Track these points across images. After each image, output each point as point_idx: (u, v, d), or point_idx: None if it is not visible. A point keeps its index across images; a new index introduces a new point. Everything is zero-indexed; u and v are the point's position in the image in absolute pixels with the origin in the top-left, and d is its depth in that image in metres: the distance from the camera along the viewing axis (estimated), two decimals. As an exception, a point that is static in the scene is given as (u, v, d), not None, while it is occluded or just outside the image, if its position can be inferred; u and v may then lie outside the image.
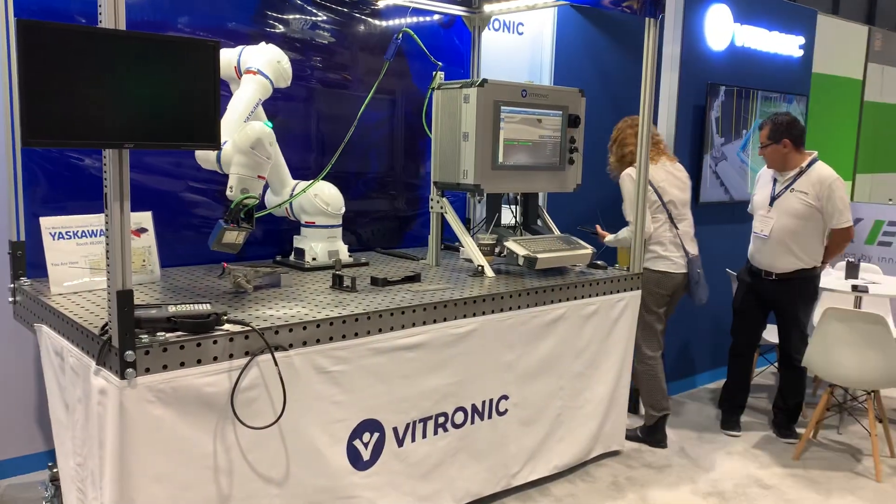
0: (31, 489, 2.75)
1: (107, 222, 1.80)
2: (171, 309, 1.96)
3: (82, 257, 2.41)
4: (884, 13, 12.84)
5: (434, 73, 3.10)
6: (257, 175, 2.33)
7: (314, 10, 3.27)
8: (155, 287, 2.52)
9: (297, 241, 3.05)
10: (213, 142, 1.84)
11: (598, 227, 3.51)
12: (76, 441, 2.09)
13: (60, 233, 2.36)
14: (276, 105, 3.16)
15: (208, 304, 2.03)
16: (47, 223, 2.35)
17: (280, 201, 2.96)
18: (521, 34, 4.26)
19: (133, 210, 2.56)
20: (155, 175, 2.85)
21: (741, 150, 4.36)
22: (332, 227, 3.01)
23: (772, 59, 4.50)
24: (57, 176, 2.63)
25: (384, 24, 3.49)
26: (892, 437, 3.53)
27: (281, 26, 3.19)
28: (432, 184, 3.10)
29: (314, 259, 2.96)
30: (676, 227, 3.37)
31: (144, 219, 2.59)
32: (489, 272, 2.90)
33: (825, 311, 3.23)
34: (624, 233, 3.26)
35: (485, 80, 2.88)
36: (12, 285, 2.50)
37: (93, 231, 2.44)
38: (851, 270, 3.87)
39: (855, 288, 3.65)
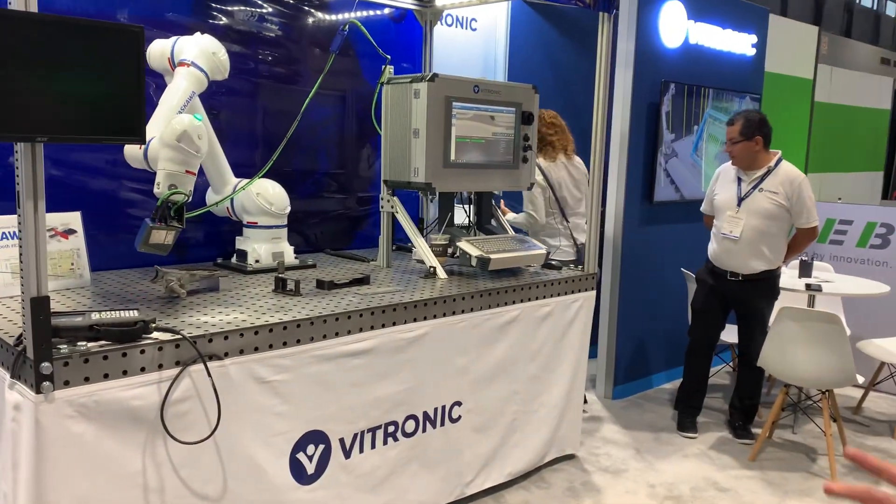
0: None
1: (20, 223, 1.64)
2: (95, 316, 1.81)
3: (3, 261, 2.24)
4: (830, 15, 13.14)
5: (383, 67, 2.99)
6: (185, 170, 2.19)
7: (259, 2, 3.13)
8: (84, 292, 2.36)
9: (240, 243, 2.91)
10: (138, 135, 1.70)
11: (503, 204, 3.51)
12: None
13: (-18, 234, 2.19)
14: (219, 100, 3.02)
15: (136, 311, 1.88)
16: (-36, 224, 2.18)
17: (218, 199, 2.82)
18: (474, 30, 4.17)
19: (61, 210, 2.44)
20: (85, 173, 2.68)
21: (693, 150, 4.35)
22: (277, 227, 2.87)
23: (725, 57, 4.49)
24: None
25: (333, 17, 3.36)
26: (846, 435, 3.53)
27: (223, 17, 3.04)
28: (382, 182, 2.99)
29: (257, 261, 2.82)
30: (567, 221, 3.61)
31: (73, 219, 2.42)
32: (441, 274, 2.80)
33: (780, 310, 3.21)
34: (520, 217, 3.53)
35: (435, 75, 2.78)
36: (-75, 292, 2.31)
37: (13, 233, 2.26)
38: (805, 269, 3.87)
39: (808, 287, 3.64)
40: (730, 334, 3.82)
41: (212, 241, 3.08)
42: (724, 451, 3.42)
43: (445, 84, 2.80)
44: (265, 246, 2.84)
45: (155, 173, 2.31)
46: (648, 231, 4.15)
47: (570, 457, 3.22)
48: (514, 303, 2.76)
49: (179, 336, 1.87)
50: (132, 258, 2.74)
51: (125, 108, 1.67)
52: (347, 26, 3.03)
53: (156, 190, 2.21)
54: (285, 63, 3.24)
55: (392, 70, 3.00)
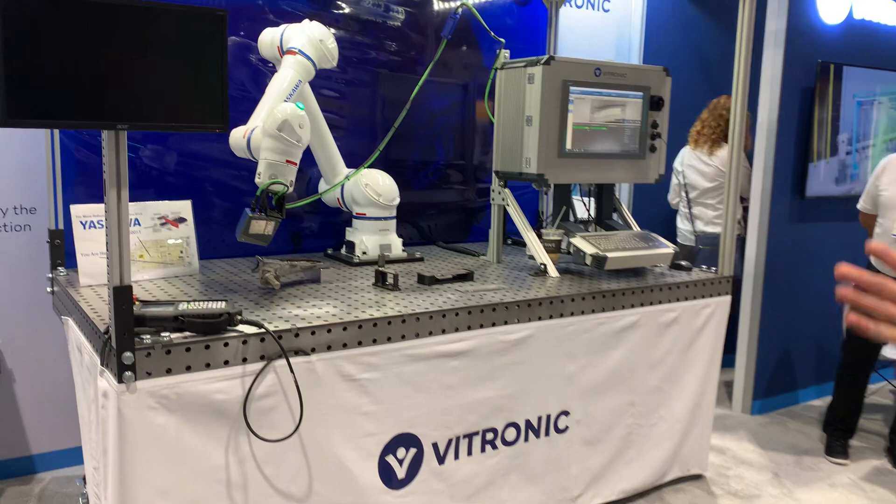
0: (72, 483, 2.69)
1: (106, 211, 1.64)
2: (182, 307, 1.79)
3: (114, 247, 2.29)
4: None
5: (498, 50, 2.83)
6: (286, 160, 2.14)
7: (374, -13, 3.06)
8: (190, 280, 2.38)
9: (349, 234, 2.85)
10: (221, 123, 1.64)
11: None
12: (92, 443, 1.98)
13: (91, 221, 2.26)
14: (333, 89, 2.99)
15: (223, 302, 1.85)
16: (78, 211, 2.25)
17: (327, 189, 2.78)
18: (606, 11, 3.91)
19: (173, 198, 2.48)
20: (198, 161, 2.72)
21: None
22: (385, 219, 2.79)
23: (898, 34, 3.94)
24: (96, 161, 2.54)
25: (453, 3, 3.24)
26: None
27: (339, 5, 3.00)
28: (493, 173, 2.83)
29: (364, 253, 2.75)
30: (690, 207, 3.85)
31: (183, 208, 2.46)
32: (552, 272, 2.61)
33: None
34: None
35: (551, 58, 2.58)
36: (50, 275, 2.42)
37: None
38: None
39: None
40: (893, 349, 3.33)
41: (325, 231, 3.06)
42: (881, 483, 2.98)
43: (562, 67, 2.60)
44: (373, 238, 2.77)
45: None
46: (799, 229, 3.71)
47: (697, 477, 2.93)
48: (633, 306, 2.52)
49: (263, 330, 1.81)
50: (242, 247, 2.76)
51: (208, 95, 1.63)
52: (460, 9, 2.88)
53: (257, 179, 2.18)
54: (401, 51, 3.16)
55: (508, 54, 2.83)
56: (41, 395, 2.71)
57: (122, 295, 1.63)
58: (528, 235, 2.71)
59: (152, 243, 2.37)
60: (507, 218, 2.90)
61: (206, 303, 1.84)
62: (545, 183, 2.65)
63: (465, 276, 2.49)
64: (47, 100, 1.46)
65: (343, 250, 2.86)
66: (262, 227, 2.17)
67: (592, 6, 3.86)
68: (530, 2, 3.55)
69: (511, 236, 3.25)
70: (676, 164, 3.93)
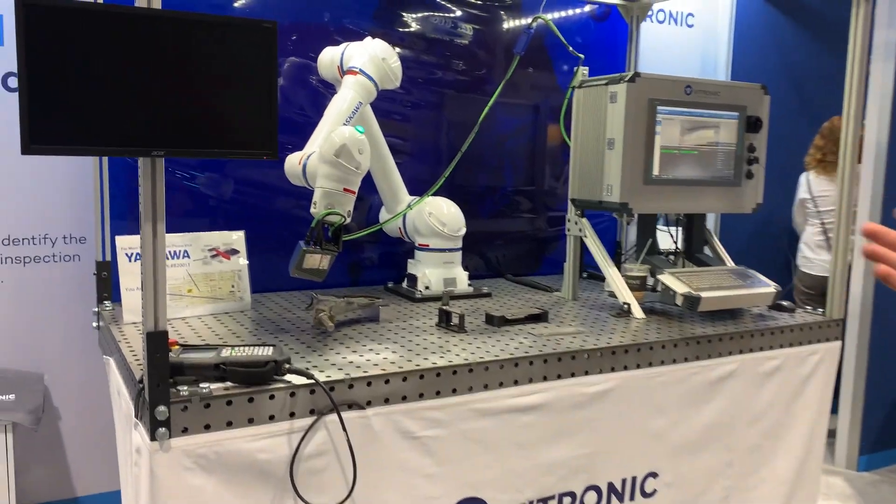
0: (117, 529, 2.54)
1: (141, 247, 1.46)
2: (225, 353, 1.61)
3: (161, 281, 2.14)
4: None
5: (576, 68, 2.59)
6: (343, 188, 1.94)
7: (443, 3, 2.88)
8: (240, 317, 2.21)
9: (411, 266, 2.64)
10: (269, 149, 1.45)
11: None
12: (128, 494, 1.80)
13: (138, 254, 2.11)
14: (397, 112, 2.81)
15: (270, 348, 1.65)
16: (123, 242, 2.11)
17: (388, 218, 2.58)
18: (690, 26, 3.64)
19: (228, 228, 2.32)
20: (251, 189, 2.57)
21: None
22: (450, 250, 2.57)
23: None
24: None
25: (526, 20, 3.02)
26: None
27: (405, 23, 2.83)
28: (569, 202, 2.58)
29: (427, 288, 2.53)
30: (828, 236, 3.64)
31: (236, 238, 2.30)
32: (637, 312, 2.33)
33: None
34: None
35: (637, 74, 2.33)
36: (96, 309, 2.29)
37: (174, 252, 2.17)
38: None
39: None
40: None
41: (386, 262, 2.86)
42: None
43: (649, 84, 2.34)
44: (436, 271, 2.55)
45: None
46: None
47: (800, 545, 2.58)
48: (730, 353, 2.22)
49: (313, 381, 1.61)
50: (298, 280, 2.59)
51: (255, 118, 1.44)
52: (534, 23, 2.66)
53: (312, 209, 1.99)
54: (469, 70, 2.96)
55: (586, 72, 2.59)
56: (88, 435, 2.57)
57: (156, 342, 1.45)
58: (610, 271, 2.44)
59: (202, 277, 2.21)
60: (583, 249, 2.65)
61: (251, 348, 1.65)
62: (629, 213, 2.38)
63: (539, 317, 2.24)
64: (75, 124, 1.30)
65: (405, 284, 2.65)
66: (317, 261, 1.98)
67: (675, 21, 3.60)
68: (608, 17, 3.31)
69: (587, 269, 2.99)
70: (803, 193, 3.83)
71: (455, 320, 2.10)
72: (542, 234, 3.22)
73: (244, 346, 1.67)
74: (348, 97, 2.21)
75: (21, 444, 2.34)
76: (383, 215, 2.69)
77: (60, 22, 1.27)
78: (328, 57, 2.38)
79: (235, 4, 2.51)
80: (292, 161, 2.13)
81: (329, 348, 1.88)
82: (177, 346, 1.63)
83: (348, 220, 1.99)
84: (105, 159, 2.26)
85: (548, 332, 2.10)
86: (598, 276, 2.96)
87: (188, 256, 2.19)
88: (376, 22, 2.78)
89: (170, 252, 2.16)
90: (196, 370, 1.56)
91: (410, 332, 2.07)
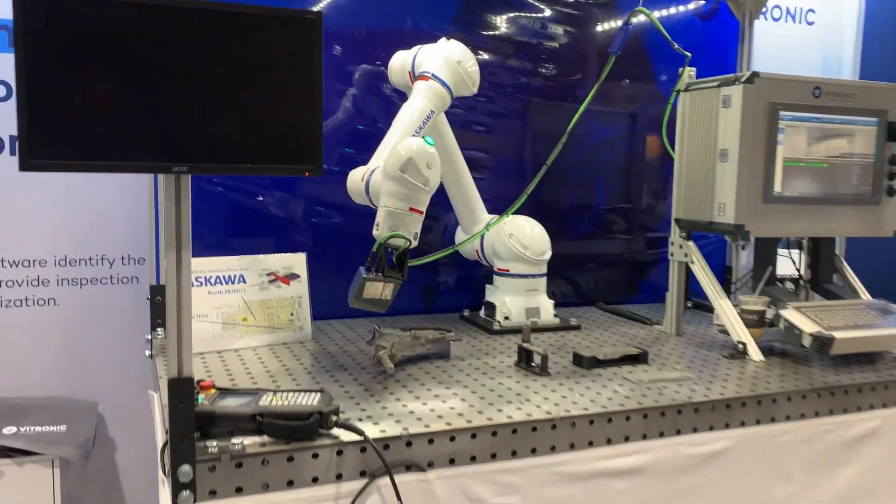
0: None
1: (165, 280, 1.26)
2: (265, 400, 1.38)
3: (214, 309, 1.95)
4: None
5: (681, 69, 2.26)
6: (409, 208, 1.70)
7: (534, 3, 2.61)
8: (298, 349, 2.00)
9: (489, 293, 2.37)
10: (312, 163, 1.22)
11: None
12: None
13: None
14: (476, 122, 2.56)
15: (317, 395, 1.42)
16: (173, 266, 1.93)
17: (464, 240, 2.32)
18: (810, 24, 3.23)
19: (285, 250, 2.12)
20: (314, 207, 2.37)
21: None
22: (533, 276, 2.29)
23: None
24: (208, 206, 2.24)
25: (621, 20, 2.72)
26: None
27: (489, 25, 2.58)
28: (673, 222, 2.25)
29: (506, 318, 2.26)
30: None
31: (297, 262, 2.09)
32: (755, 354, 1.98)
33: None
34: None
35: (755, 74, 1.99)
36: (149, 337, 2.13)
37: (229, 277, 1.98)
38: None
39: None
40: None
41: (463, 286, 2.60)
42: None
43: (769, 86, 1.99)
44: (517, 300, 2.27)
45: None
46: None
47: None
48: (871, 407, 1.84)
49: (363, 438, 1.36)
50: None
51: (294, 127, 1.21)
52: (633, 19, 2.35)
53: (374, 231, 1.76)
54: (557, 76, 2.68)
55: (693, 74, 2.26)
56: (144, 469, 2.42)
57: (180, 390, 1.24)
58: (722, 304, 2.10)
59: (258, 304, 2.01)
60: (688, 275, 2.31)
61: (295, 395, 1.41)
62: (745, 236, 2.03)
63: (637, 358, 1.92)
64: (84, 135, 1.10)
65: (482, 312, 2.38)
66: (379, 290, 1.73)
67: (793, 18, 3.19)
68: (716, 14, 2.95)
69: (692, 296, 2.64)
70: None
71: (536, 361, 1.82)
72: (639, 258, 2.88)
73: (289, 391, 1.44)
74: (418, 105, 1.97)
75: (71, 479, 2.20)
76: (459, 236, 2.44)
77: (64, 11, 1.08)
78: (399, 62, 2.15)
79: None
80: (354, 177, 1.91)
81: (389, 392, 1.63)
82: (212, 390, 1.42)
83: (415, 243, 1.75)
84: (161, 180, 2.11)
85: (648, 378, 1.78)
86: (704, 306, 2.61)
87: (244, 281, 1.99)
88: (458, 25, 2.54)
89: (224, 277, 1.97)
90: (230, 421, 1.34)
91: (484, 374, 1.79)
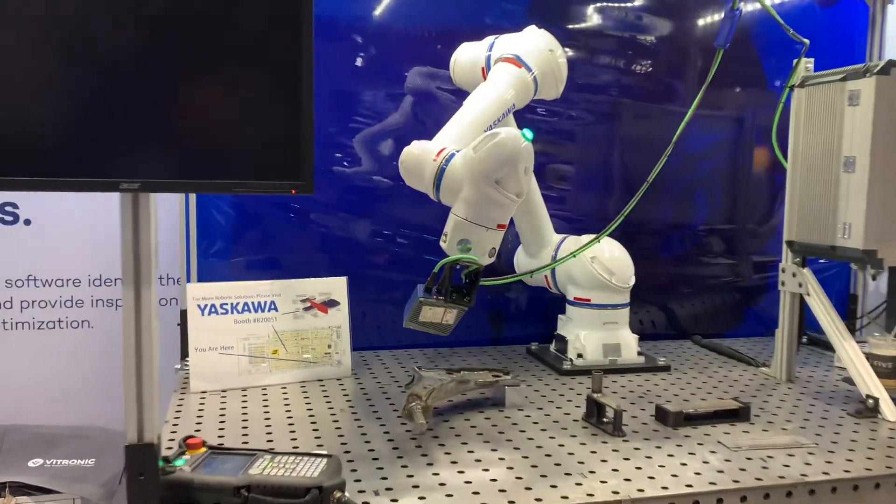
0: None
1: (123, 318, 1.03)
2: (257, 466, 1.13)
3: (241, 340, 1.74)
4: None
5: (796, 61, 1.88)
6: (495, 224, 1.42)
7: (617, -8, 2.29)
8: (333, 387, 1.75)
9: (561, 325, 2.05)
10: (298, 179, 0.96)
11: None
12: None
13: (212, 305, 1.72)
14: (557, 126, 2.26)
15: (324, 461, 1.15)
16: (196, 292, 1.72)
17: (536, 266, 2.01)
18: (957, 7, 2.72)
19: (322, 274, 1.88)
20: (354, 221, 2.12)
21: None
22: (614, 307, 1.95)
23: None
24: (240, 223, 2.04)
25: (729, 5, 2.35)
26: None
27: (568, 16, 2.27)
28: (784, 245, 1.87)
29: (579, 356, 1.93)
30: None
31: (336, 287, 1.84)
32: (890, 413, 1.57)
33: None
34: None
35: (892, 63, 1.59)
36: (178, 366, 1.94)
37: (259, 304, 1.76)
38: None
39: None
40: None
41: (535, 315, 2.29)
42: None
43: (913, 78, 1.59)
44: (594, 335, 1.94)
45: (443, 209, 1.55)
46: None
47: None
48: None
49: (369, 523, 1.08)
50: (417, 333, 2.09)
51: (276, 132, 0.96)
52: (740, 4, 1.97)
53: (442, 242, 1.48)
54: (651, 74, 2.34)
55: (811, 66, 1.87)
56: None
57: (140, 458, 1.00)
58: (847, 348, 1.69)
59: (291, 334, 1.78)
60: (802, 308, 1.91)
61: (297, 460, 1.16)
62: (877, 264, 1.63)
63: (737, 414, 1.56)
64: (9, 149, 0.89)
65: (552, 346, 2.07)
66: (440, 315, 1.46)
67: (935, 1, 2.70)
68: (838, 1, 2.52)
69: (807, 330, 2.23)
70: None
71: (609, 416, 1.49)
72: (741, 283, 2.48)
73: (291, 454, 1.18)
74: (503, 91, 1.64)
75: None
76: (520, 258, 2.13)
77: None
78: (469, 55, 1.86)
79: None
80: (423, 155, 1.49)
81: (421, 454, 1.35)
82: (202, 449, 1.19)
83: (491, 260, 1.46)
84: (192, 198, 1.92)
85: (749, 443, 1.42)
86: (821, 342, 2.19)
87: (275, 309, 1.77)
88: (533, 18, 2.24)
89: (253, 304, 1.75)
90: (210, 493, 1.09)
91: (543, 431, 1.48)
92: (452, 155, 1.47)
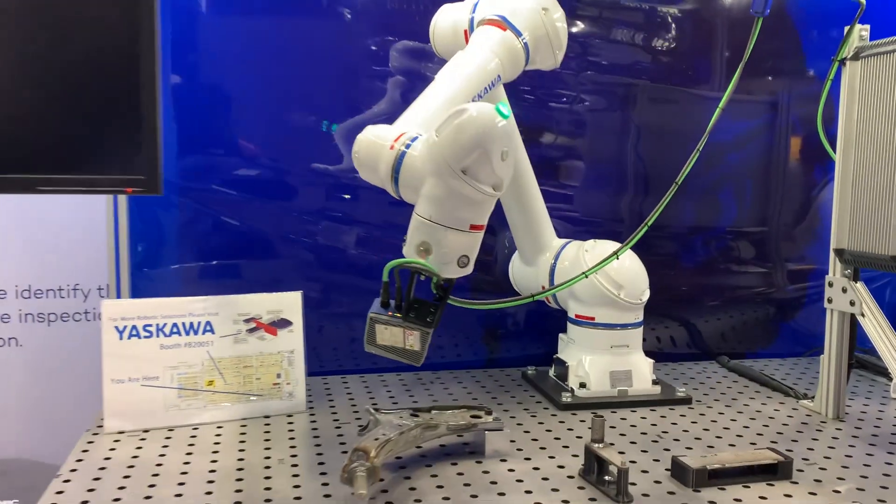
0: None
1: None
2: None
3: (169, 369, 1.44)
4: None
5: (847, 28, 1.53)
6: (467, 225, 1.12)
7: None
8: (281, 427, 1.45)
9: (562, 347, 1.74)
10: (142, 173, 0.66)
11: None
12: None
13: (133, 326, 1.42)
14: (562, 112, 1.95)
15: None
16: (112, 310, 1.42)
17: (532, 276, 1.70)
18: None
19: (271, 288, 1.57)
20: (314, 223, 1.82)
21: None
22: (624, 327, 1.63)
23: None
24: (193, 222, 1.75)
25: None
26: None
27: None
28: (832, 254, 1.53)
29: (582, 386, 1.61)
30: None
31: (289, 304, 1.53)
32: (973, 472, 1.24)
33: None
34: None
35: (979, 25, 1.25)
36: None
37: (191, 325, 1.46)
38: None
39: None
40: None
41: (533, 332, 1.98)
42: None
43: None
44: (600, 360, 1.62)
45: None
46: None
47: None
48: None
49: None
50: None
51: (110, 117, 0.65)
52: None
53: (405, 247, 1.17)
54: (673, 51, 2.01)
55: (866, 34, 1.52)
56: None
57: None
58: (914, 387, 1.36)
59: (231, 362, 1.48)
60: (853, 328, 1.57)
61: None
62: (954, 281, 1.29)
63: (774, 469, 1.23)
64: None
65: (551, 371, 1.75)
66: (399, 337, 1.17)
67: None
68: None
69: (856, 350, 1.89)
70: None
71: (612, 475, 1.17)
72: (777, 295, 2.15)
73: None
74: (484, 60, 1.34)
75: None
76: (515, 266, 1.82)
77: None
78: (450, 18, 1.53)
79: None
80: (376, 142, 1.19)
81: (364, 528, 1.05)
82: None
83: (468, 270, 1.16)
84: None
85: (792, 515, 1.10)
86: (871, 365, 1.86)
87: (211, 331, 1.47)
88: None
89: (185, 325, 1.45)
90: None
91: (529, 492, 1.17)
92: (414, 140, 1.17)
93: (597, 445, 1.21)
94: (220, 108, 1.76)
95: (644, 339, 1.98)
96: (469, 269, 1.17)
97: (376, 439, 1.15)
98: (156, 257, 1.72)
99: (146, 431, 1.39)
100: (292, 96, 1.79)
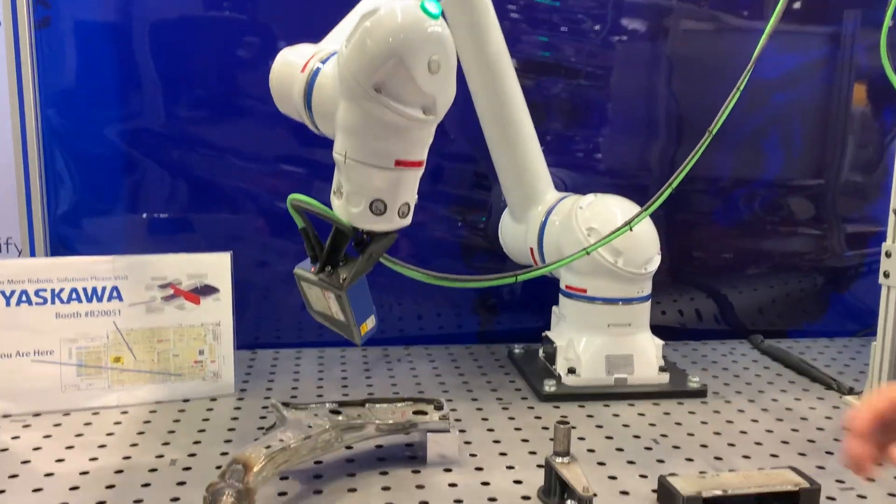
0: None
1: None
2: None
3: (67, 342, 1.22)
4: None
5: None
6: (391, 160, 0.85)
7: None
8: (198, 413, 1.22)
9: (554, 322, 1.46)
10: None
11: None
12: None
13: (24, 291, 1.20)
14: (573, 45, 1.64)
15: None
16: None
17: (522, 234, 1.42)
18: None
19: (193, 248, 1.31)
20: (243, 175, 1.56)
21: None
22: (625, 302, 1.33)
23: None
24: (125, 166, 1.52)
25: None
26: None
27: None
28: (891, 215, 1.20)
29: (570, 371, 1.33)
30: None
31: (215, 266, 1.28)
32: None
33: None
34: None
35: None
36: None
37: (95, 290, 1.23)
38: None
39: None
40: None
41: (529, 302, 1.70)
42: None
43: None
44: (594, 342, 1.33)
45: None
46: None
47: None
48: None
49: None
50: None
51: None
52: None
53: (332, 196, 0.92)
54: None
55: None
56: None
57: None
58: None
59: (142, 335, 1.24)
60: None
61: None
62: None
63: (790, 499, 0.93)
64: None
65: (541, 352, 1.47)
66: (324, 302, 0.95)
67: None
68: None
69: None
70: None
71: (574, 500, 0.90)
72: (830, 263, 1.81)
73: None
74: None
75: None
76: (506, 224, 1.53)
77: None
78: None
79: None
80: (287, 67, 0.97)
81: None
82: None
83: (406, 221, 0.90)
84: (36, 118, 1.39)
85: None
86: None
87: (119, 298, 1.23)
88: None
89: (87, 290, 1.22)
90: None
91: (466, 519, 0.91)
92: (329, 58, 0.90)
93: (559, 460, 0.94)
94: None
95: (663, 313, 1.71)
96: (407, 221, 0.90)
97: (267, 447, 0.90)
98: (83, 206, 1.49)
99: (37, 416, 1.18)
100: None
